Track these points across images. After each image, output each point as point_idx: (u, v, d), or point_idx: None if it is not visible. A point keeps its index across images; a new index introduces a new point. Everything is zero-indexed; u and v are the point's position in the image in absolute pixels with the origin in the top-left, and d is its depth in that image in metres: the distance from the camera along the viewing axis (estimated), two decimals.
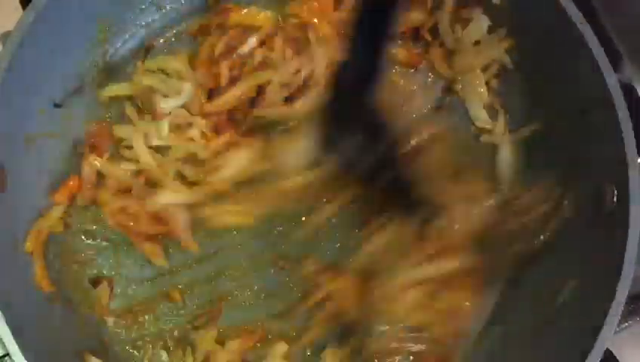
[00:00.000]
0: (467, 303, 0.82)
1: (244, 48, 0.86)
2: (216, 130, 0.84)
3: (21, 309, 0.75)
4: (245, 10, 0.87)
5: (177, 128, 0.85)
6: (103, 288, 0.83)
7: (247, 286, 0.85)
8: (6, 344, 0.68)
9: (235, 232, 0.85)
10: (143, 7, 0.88)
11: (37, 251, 0.79)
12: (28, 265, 0.79)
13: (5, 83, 0.72)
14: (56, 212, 0.82)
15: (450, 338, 0.81)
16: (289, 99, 0.85)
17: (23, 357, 0.68)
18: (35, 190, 0.81)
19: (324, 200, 0.84)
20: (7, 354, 0.68)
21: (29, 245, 0.78)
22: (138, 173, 0.84)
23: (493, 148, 0.88)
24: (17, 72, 0.73)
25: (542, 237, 0.82)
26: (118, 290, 0.84)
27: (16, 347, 0.68)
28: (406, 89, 0.89)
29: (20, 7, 0.88)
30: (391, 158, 0.76)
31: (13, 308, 0.70)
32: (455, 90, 0.90)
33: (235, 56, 0.86)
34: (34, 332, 0.75)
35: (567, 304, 0.77)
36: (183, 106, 0.85)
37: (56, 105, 0.83)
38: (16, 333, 0.68)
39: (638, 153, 0.72)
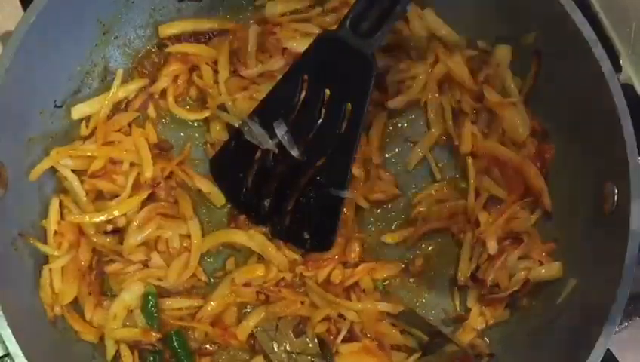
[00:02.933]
0: None
1: None
2: None
3: (22, 309, 0.75)
4: None
5: None
6: None
7: None
8: (6, 344, 0.68)
9: None
10: (143, 11, 0.88)
11: None
12: (28, 266, 0.79)
13: (6, 83, 0.72)
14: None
15: None
16: None
17: (23, 357, 0.68)
18: (36, 190, 0.81)
19: None
20: (8, 354, 0.68)
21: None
22: None
23: None
24: (18, 72, 0.73)
25: None
26: None
27: (17, 347, 0.68)
28: None
29: (20, 7, 0.87)
30: None
31: (13, 308, 0.70)
32: None
33: None
34: (34, 333, 0.75)
35: (567, 304, 0.77)
36: None
37: (56, 106, 0.83)
38: (17, 333, 0.68)
39: (638, 153, 0.72)
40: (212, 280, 0.85)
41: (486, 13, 0.86)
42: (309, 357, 0.82)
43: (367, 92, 0.74)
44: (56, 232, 0.81)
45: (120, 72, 0.87)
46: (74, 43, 0.82)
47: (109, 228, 0.83)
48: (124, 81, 0.87)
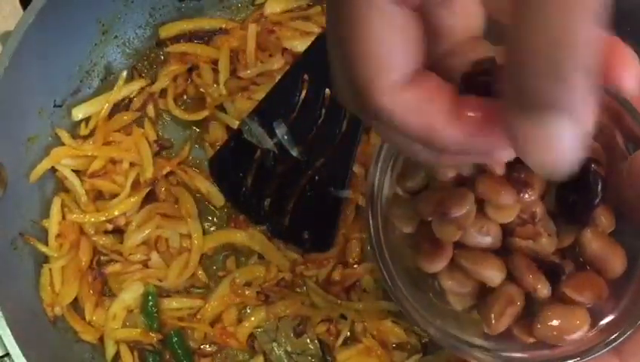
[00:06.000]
0: None
1: None
2: None
3: (22, 309, 0.75)
4: None
5: None
6: None
7: None
8: (6, 344, 0.68)
9: None
10: (143, 11, 0.88)
11: None
12: (27, 266, 0.79)
13: (5, 83, 0.72)
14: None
15: None
16: None
17: (23, 357, 0.68)
18: (36, 190, 0.81)
19: None
20: (8, 354, 0.68)
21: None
22: None
23: None
24: (17, 71, 0.73)
25: None
26: None
27: (17, 347, 0.68)
28: None
29: (19, 7, 0.87)
30: None
31: (13, 308, 0.70)
32: None
33: None
34: (34, 333, 0.75)
35: None
36: None
37: (56, 105, 0.83)
38: (17, 334, 0.68)
39: None
40: (212, 280, 0.84)
41: (486, 14, 0.85)
42: (309, 358, 0.82)
43: None
44: (59, 235, 0.81)
45: (124, 74, 0.87)
46: (73, 43, 0.82)
47: (110, 227, 0.83)
48: (124, 81, 0.87)
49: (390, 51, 0.33)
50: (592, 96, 0.26)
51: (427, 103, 0.33)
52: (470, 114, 0.33)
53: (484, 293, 0.43)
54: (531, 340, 0.41)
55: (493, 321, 0.41)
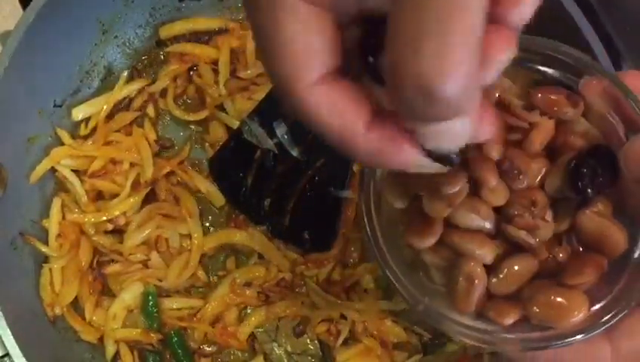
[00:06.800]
0: None
1: None
2: None
3: (22, 309, 0.75)
4: None
5: None
6: None
7: None
8: (6, 344, 0.68)
9: None
10: (143, 10, 0.88)
11: None
12: (27, 266, 0.79)
13: (5, 83, 0.72)
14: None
15: None
16: None
17: (23, 357, 0.68)
18: (36, 190, 0.81)
19: None
20: (8, 354, 0.68)
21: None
22: None
23: None
24: (17, 71, 0.73)
25: None
26: None
27: (17, 347, 0.68)
28: None
29: (19, 7, 0.87)
30: None
31: (13, 308, 0.70)
32: None
33: None
34: (34, 333, 0.75)
35: None
36: None
37: (56, 105, 0.83)
38: (17, 334, 0.68)
39: None
40: (212, 280, 0.84)
41: None
42: (309, 358, 0.82)
43: None
44: (59, 235, 0.81)
45: (124, 74, 0.87)
46: (73, 42, 0.82)
47: (110, 227, 0.83)
48: (124, 81, 0.87)
49: (307, 50, 0.33)
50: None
51: (342, 106, 0.34)
52: (384, 130, 0.33)
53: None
54: (508, 322, 0.41)
55: (458, 300, 0.42)
